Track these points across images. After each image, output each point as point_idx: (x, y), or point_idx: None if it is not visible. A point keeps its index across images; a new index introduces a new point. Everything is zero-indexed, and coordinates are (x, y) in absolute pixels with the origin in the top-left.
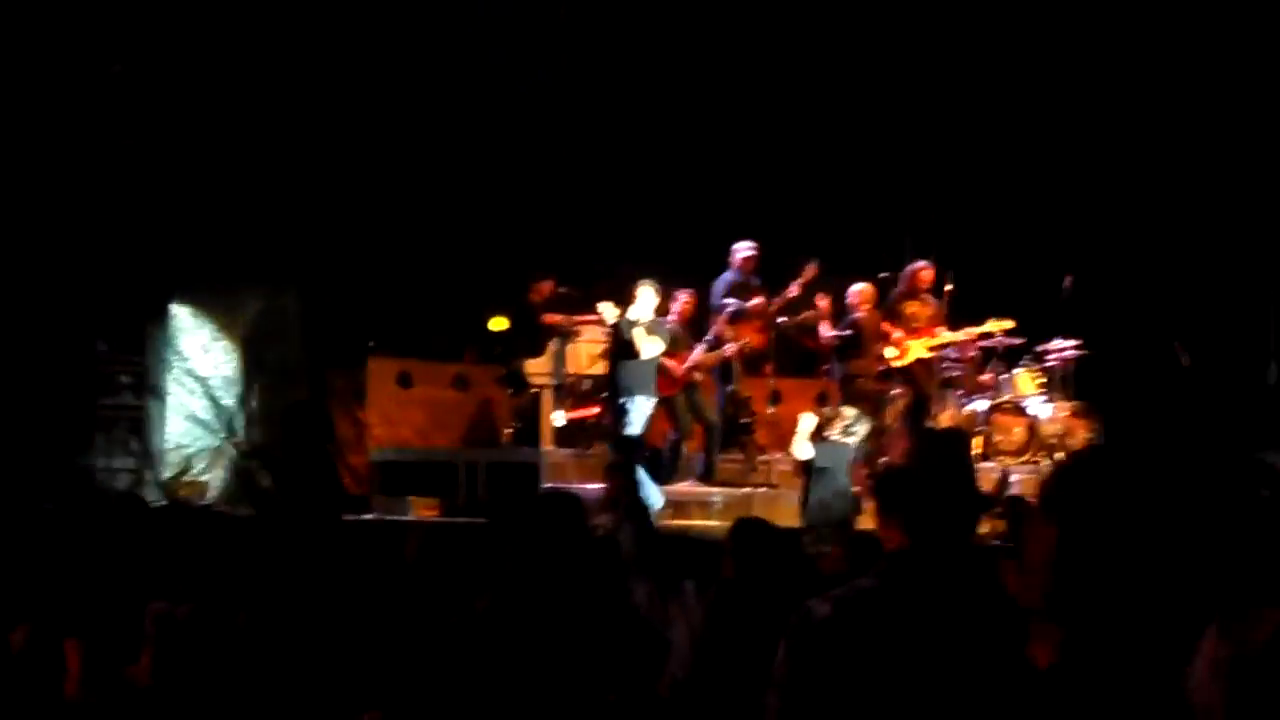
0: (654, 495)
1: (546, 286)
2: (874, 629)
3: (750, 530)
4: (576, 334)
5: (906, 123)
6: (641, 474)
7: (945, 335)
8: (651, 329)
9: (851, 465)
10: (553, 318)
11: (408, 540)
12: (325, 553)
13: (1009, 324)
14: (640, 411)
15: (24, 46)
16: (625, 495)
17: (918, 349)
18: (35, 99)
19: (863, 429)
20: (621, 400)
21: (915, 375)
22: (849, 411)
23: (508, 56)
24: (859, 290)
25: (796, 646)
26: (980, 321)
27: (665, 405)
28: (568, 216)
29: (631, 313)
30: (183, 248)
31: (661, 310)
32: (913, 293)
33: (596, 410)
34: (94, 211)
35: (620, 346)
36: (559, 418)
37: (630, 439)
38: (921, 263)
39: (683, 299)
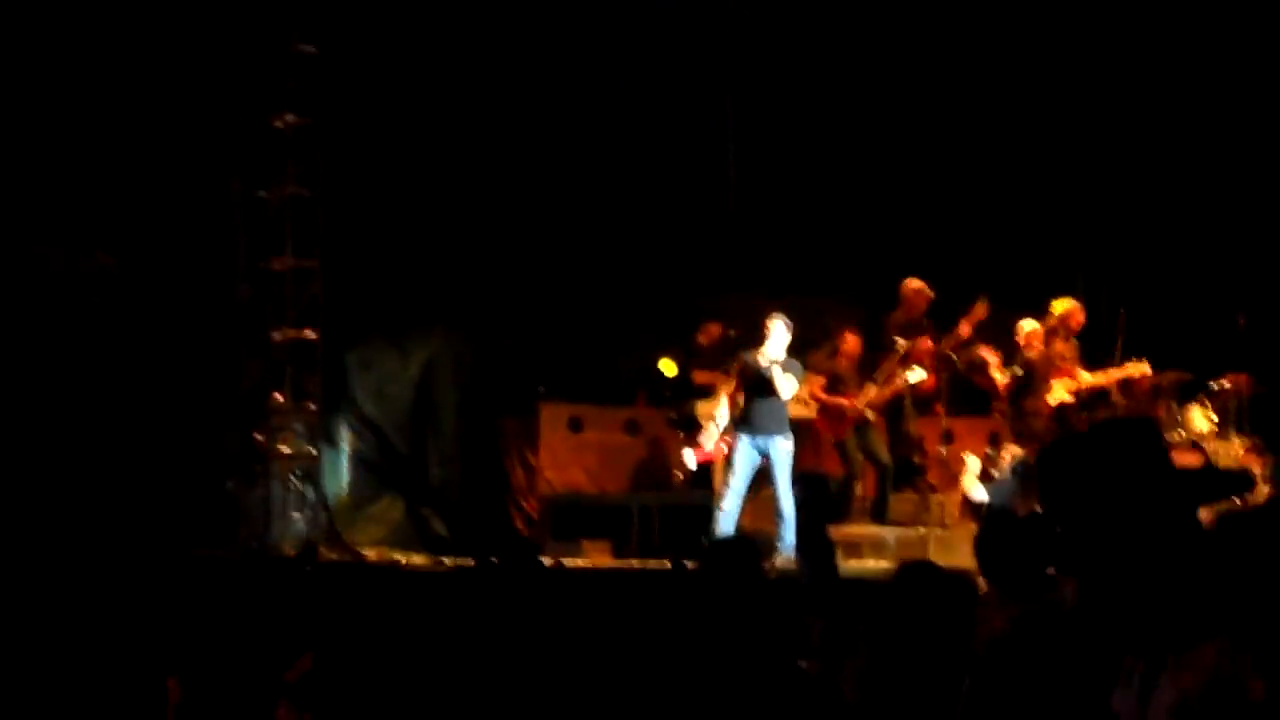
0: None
1: (715, 329)
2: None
3: (917, 575)
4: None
5: (1077, 156)
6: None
7: (1085, 377)
8: (786, 366)
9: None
10: (702, 375)
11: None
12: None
13: (1145, 367)
14: (782, 452)
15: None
16: (805, 534)
17: (1059, 391)
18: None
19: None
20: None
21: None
22: (1018, 450)
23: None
24: (1030, 330)
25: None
26: (1123, 362)
27: (837, 446)
28: (737, 258)
29: (768, 349)
30: (357, 295)
31: (831, 349)
32: (1063, 333)
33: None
34: (267, 254)
35: (757, 383)
36: (689, 457)
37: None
38: (1073, 303)
39: (849, 337)
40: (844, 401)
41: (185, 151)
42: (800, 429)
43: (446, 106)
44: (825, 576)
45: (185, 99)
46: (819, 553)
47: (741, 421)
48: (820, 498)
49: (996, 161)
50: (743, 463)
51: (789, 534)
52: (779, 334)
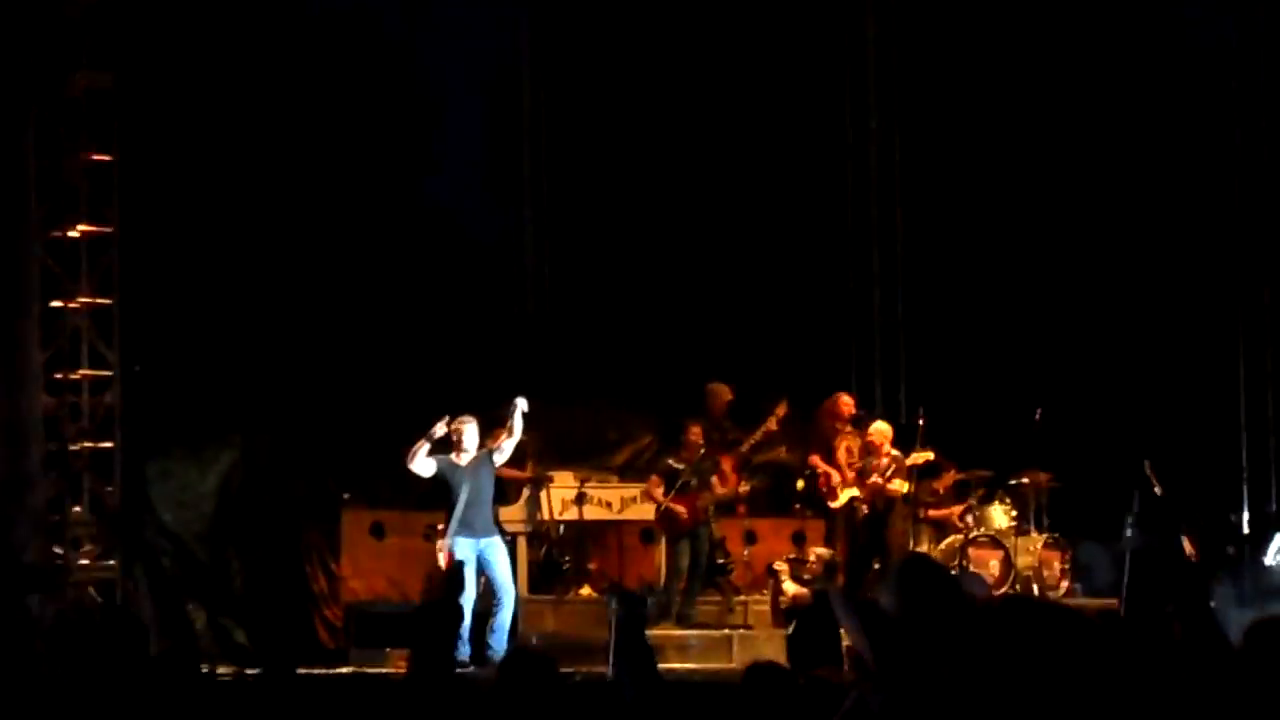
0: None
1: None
2: None
3: (764, 675)
4: (549, 480)
5: (872, 256)
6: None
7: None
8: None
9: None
10: (505, 472)
11: None
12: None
13: (929, 455)
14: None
15: None
16: (624, 650)
17: (848, 490)
18: None
19: None
20: None
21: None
22: (823, 551)
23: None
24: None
25: None
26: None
27: (671, 546)
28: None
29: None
30: (154, 403)
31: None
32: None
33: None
34: (65, 366)
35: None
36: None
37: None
38: (842, 393)
39: (693, 433)
40: (681, 508)
41: None
42: (604, 529)
43: (242, 207)
44: (649, 686)
45: None
46: (641, 664)
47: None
48: (638, 615)
49: (794, 261)
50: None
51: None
52: (471, 435)
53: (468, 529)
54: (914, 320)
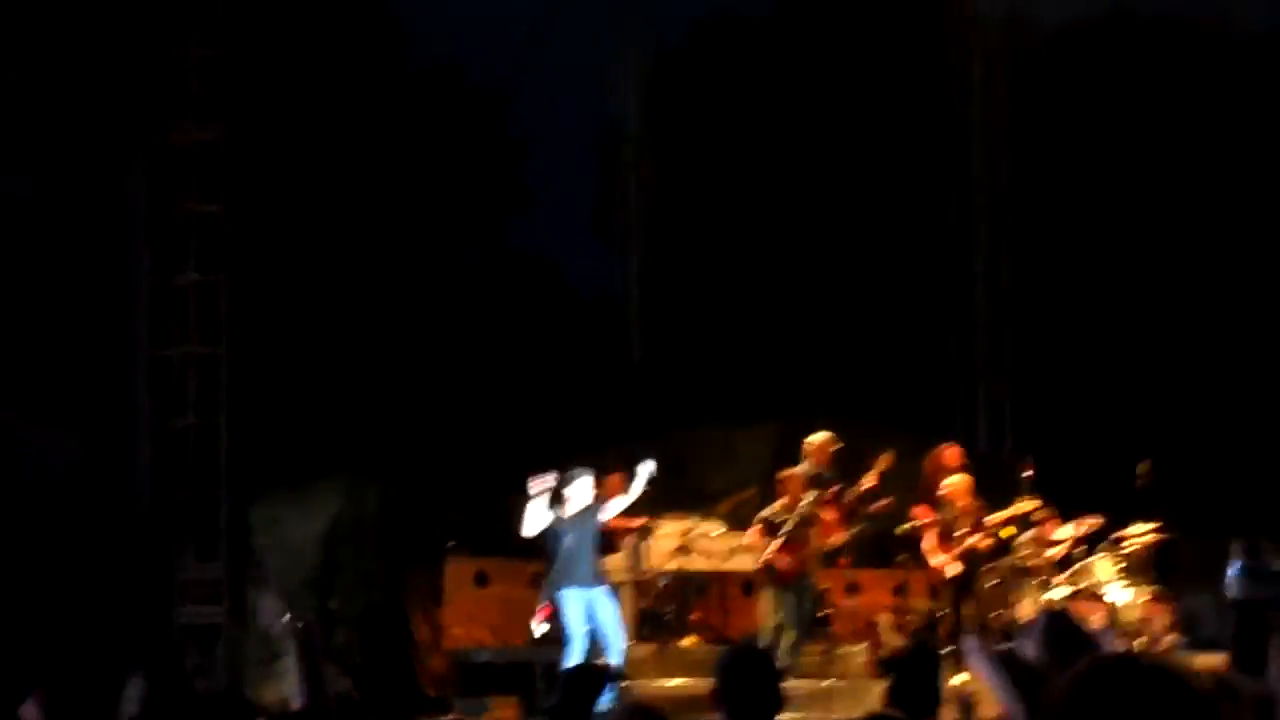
0: None
1: (615, 482)
2: None
3: None
4: (653, 530)
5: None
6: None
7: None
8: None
9: None
10: (612, 523)
11: None
12: None
13: (1035, 504)
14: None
15: None
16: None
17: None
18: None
19: None
20: None
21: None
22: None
23: None
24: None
25: None
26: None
27: (774, 597)
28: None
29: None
30: (260, 446)
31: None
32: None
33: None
34: (170, 414)
35: None
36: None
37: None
38: (947, 445)
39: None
40: (784, 558)
41: (89, 310)
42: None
43: (349, 262)
44: None
45: (88, 261)
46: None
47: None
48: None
49: (899, 301)
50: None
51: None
52: (585, 488)
53: (574, 580)
54: (1021, 366)
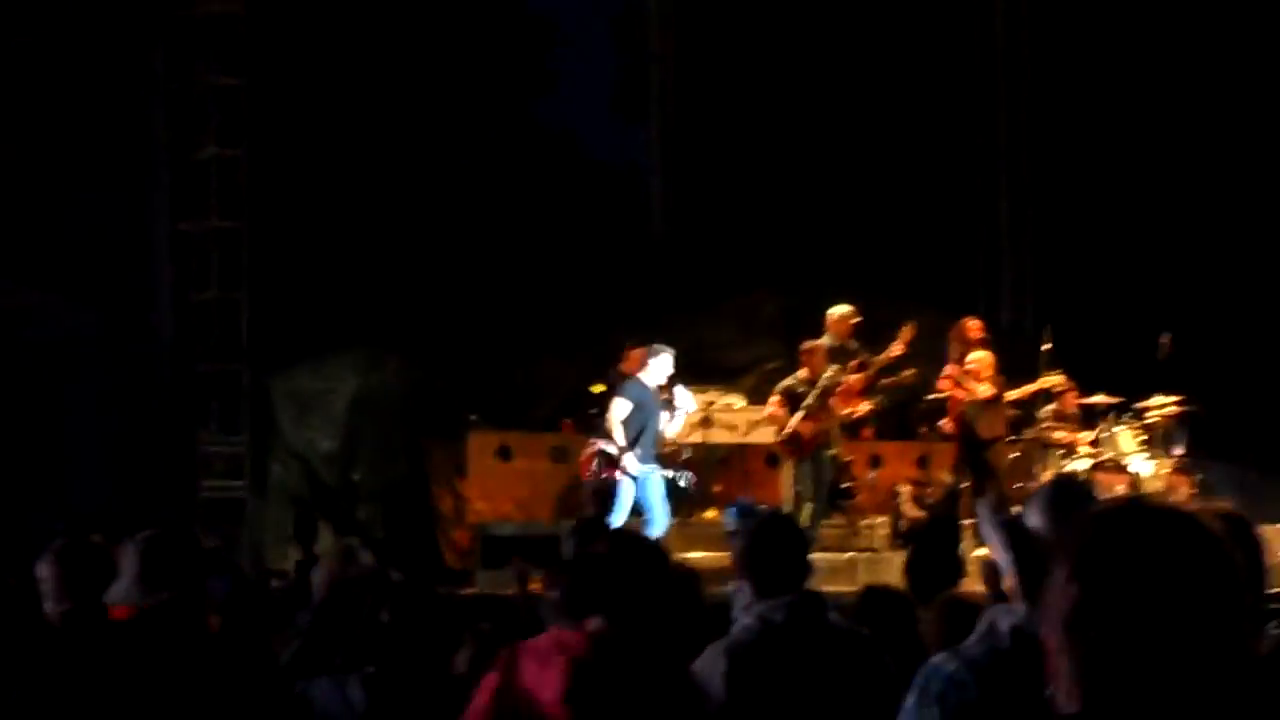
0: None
1: (637, 355)
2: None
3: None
4: (673, 403)
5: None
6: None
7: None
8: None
9: None
10: None
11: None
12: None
13: (1057, 378)
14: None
15: None
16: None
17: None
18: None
19: None
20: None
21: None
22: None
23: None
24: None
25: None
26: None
27: (796, 468)
28: (663, 283)
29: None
30: (279, 321)
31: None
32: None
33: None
34: (192, 287)
35: None
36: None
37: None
38: (969, 317)
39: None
40: (805, 429)
41: (109, 188)
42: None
43: (370, 137)
44: None
45: (109, 134)
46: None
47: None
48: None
49: (923, 181)
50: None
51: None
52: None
53: (644, 455)
54: (1044, 241)
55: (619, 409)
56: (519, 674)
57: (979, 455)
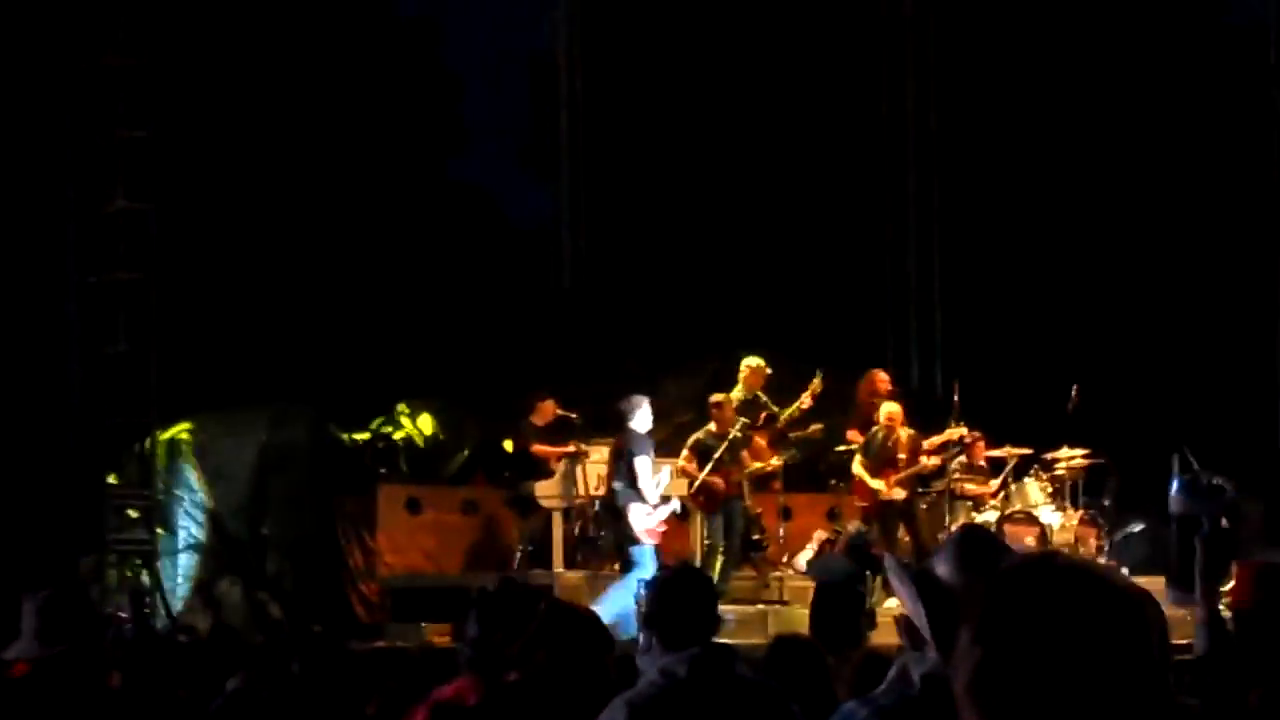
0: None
1: (548, 408)
2: None
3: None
4: (585, 455)
5: (908, 233)
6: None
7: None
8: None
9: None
10: (540, 449)
11: None
12: (334, 681)
13: (963, 430)
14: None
15: None
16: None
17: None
18: None
19: None
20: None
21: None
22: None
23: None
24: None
25: None
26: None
27: (706, 521)
28: (572, 337)
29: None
30: (188, 375)
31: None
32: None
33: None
34: (101, 340)
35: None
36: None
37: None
38: (878, 370)
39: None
40: (715, 481)
41: (19, 237)
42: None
43: (281, 190)
44: None
45: (17, 188)
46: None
47: None
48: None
49: (830, 238)
50: None
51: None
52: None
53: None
54: (951, 296)
55: (644, 466)
56: None
57: (887, 508)
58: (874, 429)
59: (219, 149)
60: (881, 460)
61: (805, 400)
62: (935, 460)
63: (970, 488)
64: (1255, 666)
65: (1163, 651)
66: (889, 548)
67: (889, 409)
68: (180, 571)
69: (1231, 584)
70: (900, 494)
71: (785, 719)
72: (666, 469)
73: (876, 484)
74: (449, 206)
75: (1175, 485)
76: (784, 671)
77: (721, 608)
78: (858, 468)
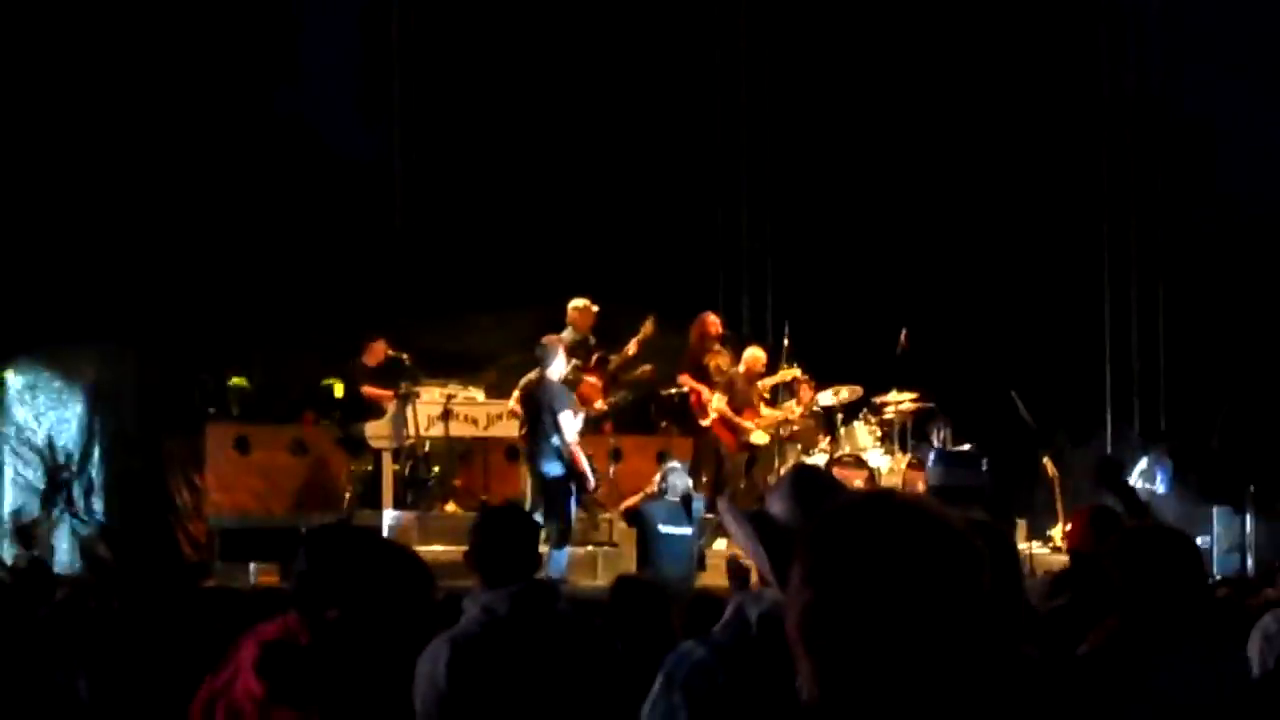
0: None
1: (379, 348)
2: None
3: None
4: (416, 396)
5: (740, 175)
6: None
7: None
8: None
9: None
10: (371, 390)
11: None
12: (165, 623)
13: (795, 373)
14: None
15: None
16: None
17: (719, 405)
18: None
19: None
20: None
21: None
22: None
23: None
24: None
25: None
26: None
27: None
28: (404, 277)
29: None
30: (16, 311)
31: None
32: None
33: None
34: None
35: None
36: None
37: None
38: (709, 312)
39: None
40: None
41: None
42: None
43: (107, 124)
44: None
45: None
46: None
47: None
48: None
49: (662, 179)
50: None
51: None
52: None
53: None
54: (781, 239)
55: (568, 421)
56: (240, 661)
57: (717, 450)
58: (732, 370)
59: (49, 76)
60: (741, 403)
61: (636, 343)
62: (800, 409)
63: (800, 430)
64: (1094, 606)
65: (998, 588)
66: (735, 487)
67: (753, 353)
68: (6, 510)
69: (1069, 528)
70: (763, 439)
71: (608, 655)
72: (580, 415)
73: (747, 424)
74: (280, 142)
75: (933, 457)
76: (626, 612)
77: (542, 547)
78: (721, 404)
